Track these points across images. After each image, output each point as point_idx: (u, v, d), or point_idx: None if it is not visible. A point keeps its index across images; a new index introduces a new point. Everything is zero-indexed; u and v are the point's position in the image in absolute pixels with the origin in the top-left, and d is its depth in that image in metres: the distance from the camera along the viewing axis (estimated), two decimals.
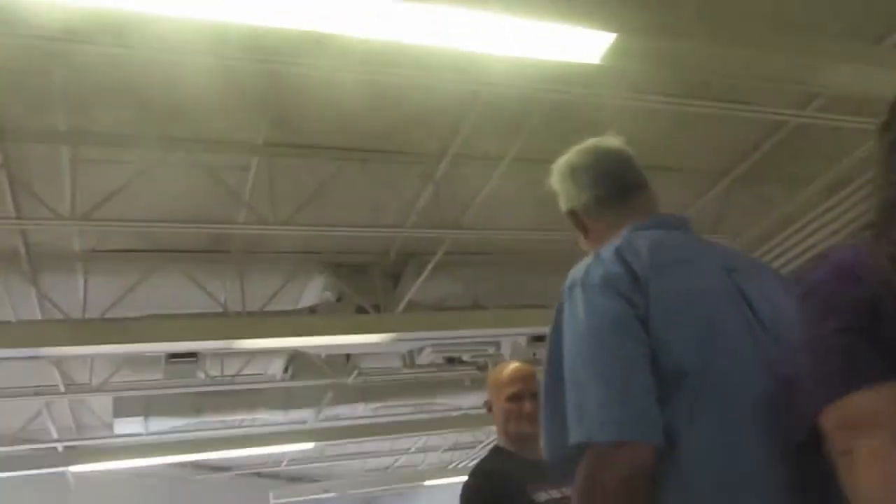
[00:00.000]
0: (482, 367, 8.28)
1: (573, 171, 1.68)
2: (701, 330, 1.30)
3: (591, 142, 1.70)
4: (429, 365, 8.08)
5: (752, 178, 5.95)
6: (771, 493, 1.22)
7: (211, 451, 9.54)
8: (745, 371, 1.28)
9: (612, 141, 1.69)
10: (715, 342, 1.29)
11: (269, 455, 11.43)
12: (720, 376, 1.27)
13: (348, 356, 7.90)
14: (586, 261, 1.43)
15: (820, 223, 5.82)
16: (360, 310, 6.55)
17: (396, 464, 13.88)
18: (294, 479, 14.25)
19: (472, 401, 9.21)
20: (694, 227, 1.62)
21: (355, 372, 7.90)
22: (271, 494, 12.15)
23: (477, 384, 8.82)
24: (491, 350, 7.77)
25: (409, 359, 8.05)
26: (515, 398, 2.45)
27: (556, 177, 1.70)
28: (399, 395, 8.89)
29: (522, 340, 7.52)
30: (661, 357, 1.26)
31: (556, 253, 6.79)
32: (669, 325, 1.29)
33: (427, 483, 12.85)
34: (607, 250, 1.41)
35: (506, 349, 7.70)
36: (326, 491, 12.79)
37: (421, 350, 7.70)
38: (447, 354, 7.93)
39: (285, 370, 7.87)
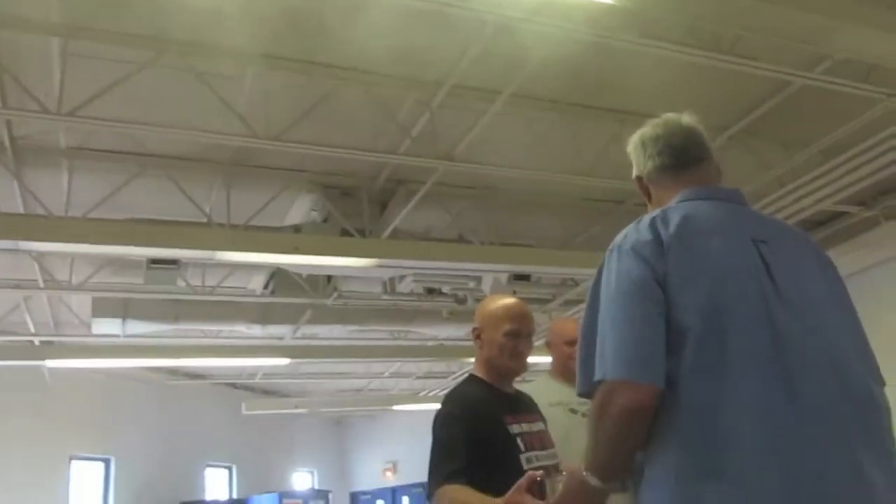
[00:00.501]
0: (461, 300, 8.36)
1: (643, 141, 1.82)
2: (711, 294, 1.47)
3: (664, 116, 1.83)
4: (409, 293, 8.14)
5: (750, 135, 5.92)
6: (761, 442, 1.36)
7: (187, 357, 9.65)
8: (751, 333, 1.44)
9: (685, 117, 1.82)
10: (722, 306, 1.46)
11: (244, 367, 11.60)
12: (722, 336, 1.44)
13: (329, 277, 7.93)
14: (628, 227, 1.62)
15: (811, 188, 5.83)
16: (345, 232, 6.54)
17: (369, 387, 14.11)
18: (267, 392, 14.49)
19: (449, 332, 9.33)
20: (742, 198, 1.74)
21: (335, 293, 7.95)
22: (243, 405, 12.38)
23: (455, 316, 8.92)
24: (471, 284, 7.82)
25: (390, 285, 8.10)
26: (513, 335, 2.43)
27: (631, 145, 1.85)
28: (377, 320, 8.99)
29: (503, 277, 7.57)
30: (673, 316, 1.46)
31: (545, 194, 6.85)
32: (683, 289, 1.48)
33: (396, 407, 13.12)
34: (645, 219, 1.61)
35: (486, 284, 7.75)
36: (298, 407, 13.03)
37: (402, 278, 7.74)
38: (427, 284, 7.98)
39: (266, 286, 7.90)
